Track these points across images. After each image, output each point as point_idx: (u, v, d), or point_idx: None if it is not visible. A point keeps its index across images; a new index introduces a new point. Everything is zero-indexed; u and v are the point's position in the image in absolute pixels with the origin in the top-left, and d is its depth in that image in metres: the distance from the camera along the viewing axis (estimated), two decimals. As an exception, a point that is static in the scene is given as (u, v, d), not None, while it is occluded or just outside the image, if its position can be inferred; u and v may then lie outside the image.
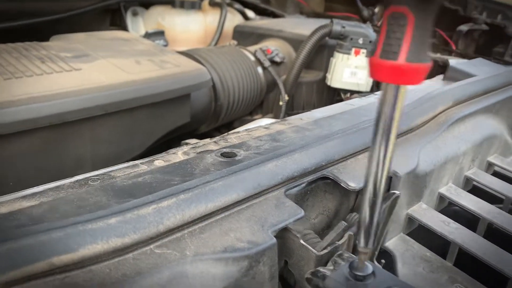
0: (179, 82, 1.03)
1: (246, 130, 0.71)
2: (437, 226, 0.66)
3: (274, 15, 2.03)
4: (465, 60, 1.18)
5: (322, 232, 0.63)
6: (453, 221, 0.68)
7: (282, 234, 0.53)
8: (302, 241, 0.51)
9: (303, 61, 1.42)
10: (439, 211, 0.72)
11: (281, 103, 1.44)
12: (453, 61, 1.13)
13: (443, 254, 0.67)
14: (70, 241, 0.38)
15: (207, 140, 0.66)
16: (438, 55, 1.50)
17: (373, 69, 0.37)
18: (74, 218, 0.40)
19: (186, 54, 1.27)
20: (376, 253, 0.63)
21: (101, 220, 0.40)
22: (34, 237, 0.36)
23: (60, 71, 0.91)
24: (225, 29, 1.72)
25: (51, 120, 0.81)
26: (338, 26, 1.40)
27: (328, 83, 1.48)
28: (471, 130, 0.83)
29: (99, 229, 0.40)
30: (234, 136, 0.67)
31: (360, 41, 1.41)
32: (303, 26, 1.61)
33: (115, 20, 1.68)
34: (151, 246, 0.43)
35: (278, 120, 0.81)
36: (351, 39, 1.41)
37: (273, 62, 1.48)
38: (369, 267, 0.45)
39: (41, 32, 1.21)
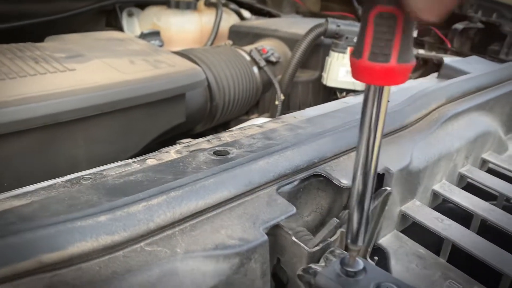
0: (173, 81, 1.03)
1: (239, 128, 0.71)
2: (430, 223, 0.67)
3: (270, 15, 2.03)
4: (460, 58, 1.19)
5: (315, 229, 0.63)
6: (446, 218, 0.68)
7: (274, 232, 0.53)
8: (294, 238, 0.51)
9: (298, 60, 1.42)
10: (433, 208, 0.72)
11: (277, 102, 1.44)
12: (448, 59, 1.14)
13: (437, 251, 0.67)
14: (59, 239, 0.38)
15: (200, 139, 0.66)
16: (433, 53, 1.51)
17: (361, 72, 0.35)
18: (63, 216, 0.40)
19: (181, 54, 1.27)
20: (370, 250, 0.63)
21: (90, 217, 0.40)
22: (22, 235, 0.36)
23: (54, 71, 0.91)
24: (221, 29, 1.72)
25: (45, 121, 0.81)
26: (333, 25, 1.41)
27: (324, 82, 1.49)
28: (465, 127, 0.84)
29: (88, 227, 0.39)
30: (227, 135, 0.67)
31: (356, 40, 1.41)
32: (299, 26, 1.61)
33: (110, 21, 1.68)
34: (142, 244, 0.43)
35: (272, 118, 0.81)
36: (347, 38, 1.42)
37: (268, 61, 1.48)
38: (360, 263, 0.46)
39: (36, 34, 1.21)
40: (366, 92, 0.38)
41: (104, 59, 1.02)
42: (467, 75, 0.99)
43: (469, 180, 0.82)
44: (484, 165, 0.90)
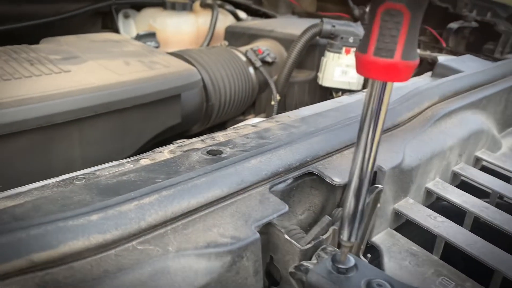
0: (168, 82, 1.03)
1: (233, 128, 0.72)
2: (423, 220, 0.67)
3: (266, 16, 2.04)
4: (454, 57, 1.19)
5: (309, 228, 0.63)
6: (439, 215, 0.69)
7: (267, 230, 0.53)
8: (286, 236, 0.51)
9: (294, 60, 1.43)
10: (427, 206, 0.72)
11: (273, 102, 1.45)
12: (442, 58, 1.14)
13: (431, 249, 0.67)
14: (50, 238, 0.38)
15: (194, 139, 0.67)
16: (428, 53, 1.51)
17: (365, 67, 0.36)
18: (55, 215, 0.40)
19: (176, 55, 1.27)
20: (363, 247, 0.63)
21: (82, 217, 0.41)
22: (13, 234, 0.37)
23: (49, 73, 0.91)
24: (217, 30, 1.72)
25: (39, 122, 0.82)
26: (328, 25, 1.41)
27: (320, 82, 1.49)
28: (458, 125, 0.84)
29: (80, 226, 0.40)
30: (221, 134, 0.68)
31: (351, 39, 1.42)
32: (294, 26, 1.62)
33: (106, 22, 1.68)
34: (134, 243, 0.43)
35: (266, 118, 0.81)
36: (342, 38, 1.42)
37: (264, 62, 1.49)
38: (351, 260, 0.46)
39: (32, 36, 1.21)
40: (370, 88, 0.39)
41: (99, 60, 1.02)
42: (460, 73, 0.99)
43: (462, 178, 0.83)
44: (477, 163, 0.90)
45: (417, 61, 0.36)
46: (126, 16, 1.69)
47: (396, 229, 0.70)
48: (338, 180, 0.59)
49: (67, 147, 0.90)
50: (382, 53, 0.35)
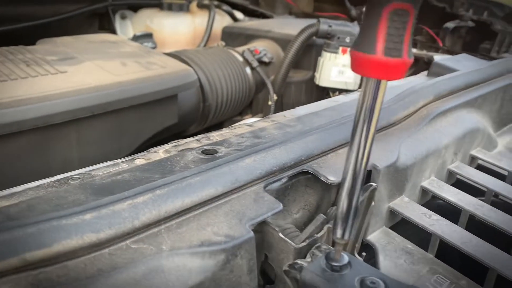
0: (165, 83, 1.03)
1: (229, 128, 0.72)
2: (418, 219, 0.67)
3: (263, 17, 2.04)
4: (449, 56, 1.20)
5: (304, 226, 0.64)
6: (434, 214, 0.69)
7: (262, 228, 0.53)
8: (280, 235, 0.51)
9: (291, 60, 1.43)
10: (422, 205, 0.72)
11: (270, 102, 1.45)
12: (438, 57, 1.15)
13: (426, 247, 0.67)
14: (44, 237, 0.38)
15: (190, 139, 0.67)
16: (424, 52, 1.52)
17: (374, 67, 0.36)
18: (49, 214, 0.40)
19: (173, 55, 1.28)
20: (358, 246, 0.63)
21: (75, 216, 0.41)
22: (7, 233, 0.37)
23: (45, 74, 0.92)
24: (214, 31, 1.73)
25: (36, 123, 0.82)
26: (325, 25, 1.42)
27: (317, 82, 1.49)
28: (453, 124, 0.84)
29: (73, 225, 0.40)
30: (216, 134, 0.68)
31: (347, 39, 1.42)
32: (291, 26, 1.62)
33: (103, 23, 1.68)
34: (127, 241, 0.43)
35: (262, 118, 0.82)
36: (338, 38, 1.43)
37: (261, 62, 1.49)
38: (345, 258, 0.46)
39: (29, 37, 1.21)
40: (365, 86, 0.39)
41: (96, 61, 1.03)
42: (456, 72, 1.00)
43: (457, 176, 0.83)
44: (473, 161, 0.91)
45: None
46: (123, 17, 1.69)
47: (391, 228, 0.71)
48: (333, 178, 0.59)
49: (65, 148, 0.90)
50: (392, 53, 0.35)
